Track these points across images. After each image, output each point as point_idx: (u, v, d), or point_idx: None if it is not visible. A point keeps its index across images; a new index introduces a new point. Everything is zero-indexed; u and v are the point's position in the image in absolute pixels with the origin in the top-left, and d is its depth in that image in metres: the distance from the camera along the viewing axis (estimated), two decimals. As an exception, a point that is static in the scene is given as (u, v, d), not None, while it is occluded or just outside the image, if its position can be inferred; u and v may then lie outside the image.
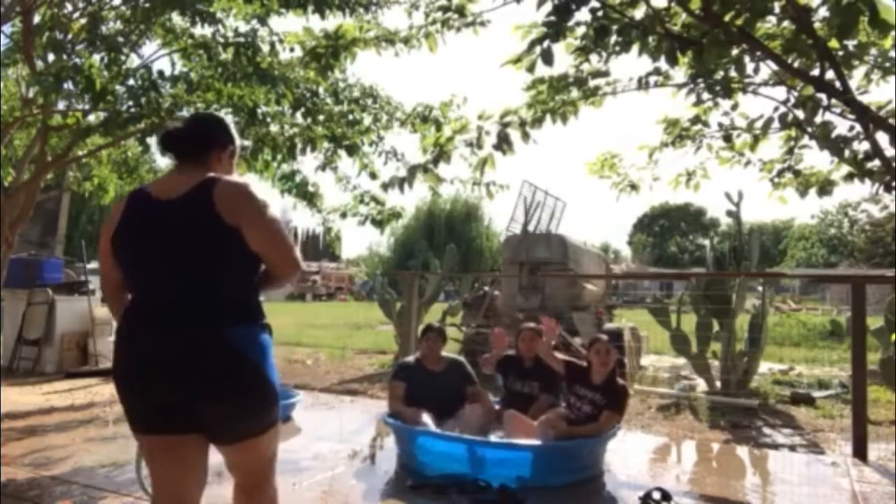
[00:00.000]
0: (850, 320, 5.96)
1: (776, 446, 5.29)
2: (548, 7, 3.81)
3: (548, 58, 3.98)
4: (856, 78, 4.53)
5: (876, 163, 4.41)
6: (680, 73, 4.80)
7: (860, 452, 4.75)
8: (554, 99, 4.84)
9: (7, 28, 6.26)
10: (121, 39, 5.73)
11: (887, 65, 4.41)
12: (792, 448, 5.24)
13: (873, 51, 4.36)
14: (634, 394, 6.77)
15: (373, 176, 6.75)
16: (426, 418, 4.24)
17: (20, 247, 9.17)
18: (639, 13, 4.12)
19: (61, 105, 5.90)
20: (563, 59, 4.58)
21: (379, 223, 7.11)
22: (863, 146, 4.47)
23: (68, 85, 4.94)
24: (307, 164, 13.37)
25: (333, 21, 5.05)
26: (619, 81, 4.87)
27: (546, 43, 3.94)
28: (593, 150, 6.17)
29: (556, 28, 3.88)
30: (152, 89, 5.24)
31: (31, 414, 5.65)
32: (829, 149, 4.45)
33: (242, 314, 1.98)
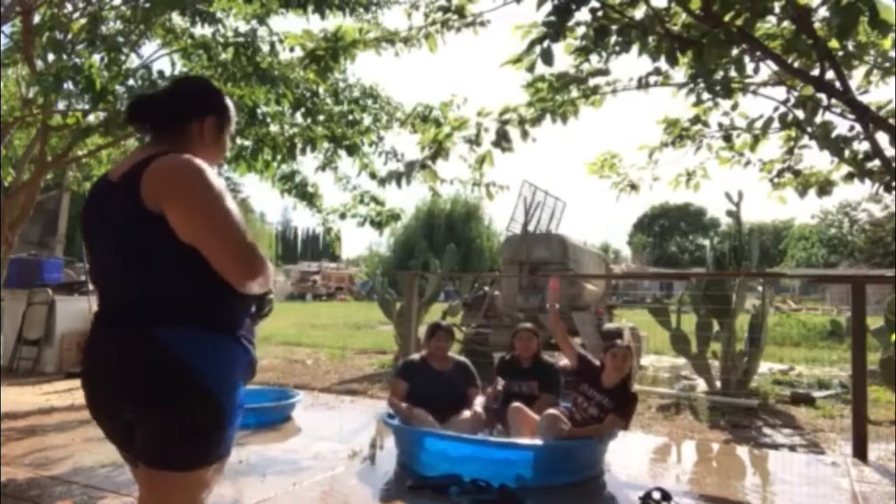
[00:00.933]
0: (850, 320, 5.97)
1: (776, 446, 5.29)
2: (548, 7, 3.82)
3: (548, 58, 3.99)
4: (856, 78, 4.55)
5: (876, 163, 4.41)
6: (680, 73, 4.81)
7: (860, 452, 4.75)
8: (554, 99, 4.85)
9: (7, 28, 6.26)
10: (121, 39, 5.72)
11: (887, 65, 4.42)
12: (792, 448, 5.24)
13: (873, 51, 4.37)
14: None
15: (373, 176, 6.75)
16: (420, 413, 4.24)
17: (20, 247, 9.18)
18: (639, 13, 4.12)
19: (61, 105, 5.89)
20: (563, 59, 4.60)
21: (378, 224, 7.11)
22: (863, 146, 4.47)
23: (68, 85, 4.93)
24: (307, 164, 13.39)
25: (333, 21, 5.05)
26: (619, 81, 4.88)
27: (546, 43, 3.95)
28: (593, 149, 6.19)
29: (556, 28, 3.89)
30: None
31: (31, 414, 5.64)
32: (829, 149, 4.45)
33: (183, 313, 1.64)
